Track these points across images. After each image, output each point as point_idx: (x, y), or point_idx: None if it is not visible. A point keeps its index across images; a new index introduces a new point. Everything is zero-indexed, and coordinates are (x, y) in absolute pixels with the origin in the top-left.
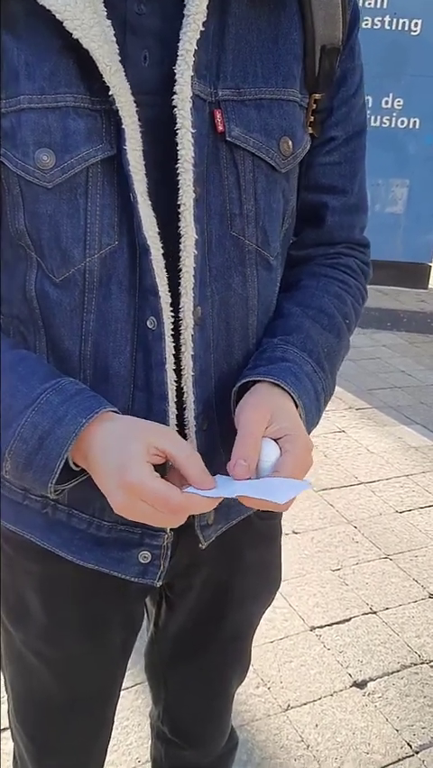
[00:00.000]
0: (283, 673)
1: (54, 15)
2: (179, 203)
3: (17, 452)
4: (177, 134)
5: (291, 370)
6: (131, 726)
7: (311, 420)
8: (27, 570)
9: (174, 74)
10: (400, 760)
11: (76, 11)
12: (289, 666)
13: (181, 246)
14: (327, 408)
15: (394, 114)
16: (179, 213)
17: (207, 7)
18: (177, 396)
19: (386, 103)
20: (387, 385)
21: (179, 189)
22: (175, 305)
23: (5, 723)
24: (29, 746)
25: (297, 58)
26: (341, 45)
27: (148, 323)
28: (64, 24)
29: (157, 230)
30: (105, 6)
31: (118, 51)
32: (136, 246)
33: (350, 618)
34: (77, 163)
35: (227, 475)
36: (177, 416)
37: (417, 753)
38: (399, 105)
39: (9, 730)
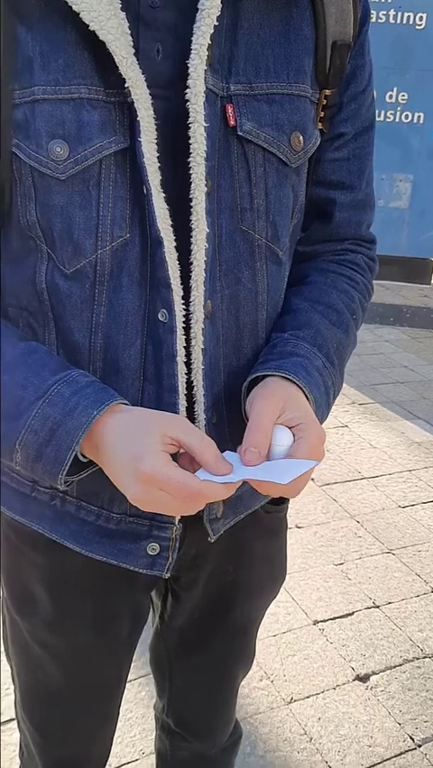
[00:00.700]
0: (286, 667)
1: (71, 7)
2: (190, 196)
3: (28, 443)
4: (189, 128)
5: (302, 364)
6: (135, 718)
7: (321, 414)
8: (34, 561)
9: (186, 68)
10: (402, 753)
11: (92, 2)
12: (292, 660)
13: (192, 239)
14: None
15: (399, 109)
16: (190, 206)
17: (221, 1)
18: (186, 389)
19: (390, 97)
20: (390, 380)
21: (190, 183)
22: (185, 298)
23: (6, 716)
24: (35, 736)
25: (308, 53)
26: (352, 41)
27: (159, 315)
28: (80, 16)
29: (170, 222)
30: None
31: (132, 44)
32: (148, 238)
33: (353, 612)
34: (90, 155)
35: (235, 452)
36: (186, 408)
37: (419, 746)
38: (403, 100)
39: (13, 722)
